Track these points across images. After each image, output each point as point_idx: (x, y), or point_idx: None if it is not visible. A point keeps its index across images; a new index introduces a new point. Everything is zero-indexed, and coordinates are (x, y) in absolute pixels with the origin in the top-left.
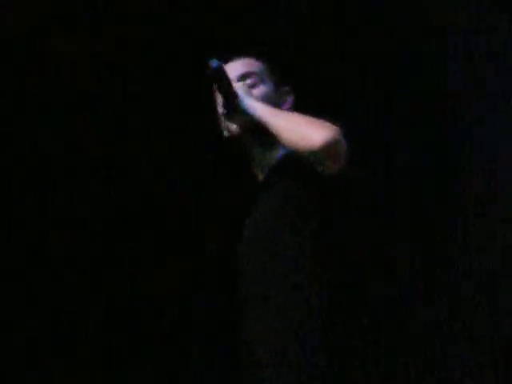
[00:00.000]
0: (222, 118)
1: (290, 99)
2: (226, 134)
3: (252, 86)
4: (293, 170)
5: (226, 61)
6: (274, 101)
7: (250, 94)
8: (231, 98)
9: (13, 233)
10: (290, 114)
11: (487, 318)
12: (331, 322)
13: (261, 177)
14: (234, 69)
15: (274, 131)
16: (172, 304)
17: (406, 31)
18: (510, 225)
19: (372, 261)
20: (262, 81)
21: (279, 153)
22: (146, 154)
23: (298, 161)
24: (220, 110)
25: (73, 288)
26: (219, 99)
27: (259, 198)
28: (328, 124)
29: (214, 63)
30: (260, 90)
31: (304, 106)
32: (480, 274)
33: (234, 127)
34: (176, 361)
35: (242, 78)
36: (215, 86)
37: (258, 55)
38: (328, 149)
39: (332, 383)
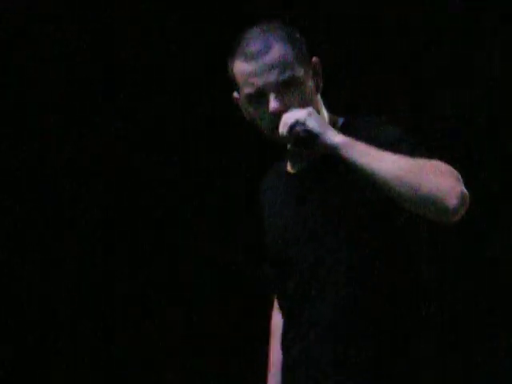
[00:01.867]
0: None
1: (321, 75)
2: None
3: (286, 94)
4: None
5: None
6: (313, 96)
7: (326, 126)
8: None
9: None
10: (396, 156)
11: None
12: None
13: (293, 167)
14: (262, 74)
15: (379, 180)
16: None
17: None
18: None
19: None
20: (300, 79)
21: None
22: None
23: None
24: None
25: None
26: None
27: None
28: (451, 172)
29: None
30: (298, 96)
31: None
32: None
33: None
34: None
35: (275, 87)
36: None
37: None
38: (459, 213)
39: None
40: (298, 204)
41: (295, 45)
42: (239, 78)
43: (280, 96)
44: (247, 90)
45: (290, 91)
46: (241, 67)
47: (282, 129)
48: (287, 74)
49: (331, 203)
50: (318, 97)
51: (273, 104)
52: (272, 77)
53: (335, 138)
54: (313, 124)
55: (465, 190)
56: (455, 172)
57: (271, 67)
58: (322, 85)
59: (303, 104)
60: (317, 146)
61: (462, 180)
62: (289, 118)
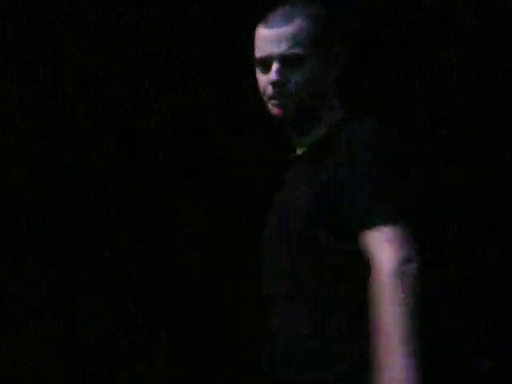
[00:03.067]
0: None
1: (339, 65)
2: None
3: (290, 70)
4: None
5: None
6: (317, 80)
7: None
8: None
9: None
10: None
11: None
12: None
13: (298, 151)
14: (272, 42)
15: None
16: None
17: None
18: None
19: None
20: (308, 59)
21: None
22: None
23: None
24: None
25: None
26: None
27: (293, 173)
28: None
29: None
30: (301, 74)
31: None
32: None
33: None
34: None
35: (280, 59)
36: None
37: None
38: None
39: None
40: (279, 193)
41: (318, 26)
42: (255, 42)
43: (283, 69)
44: (257, 54)
45: (294, 67)
46: (259, 31)
47: None
48: (295, 50)
49: (290, 197)
50: (331, 86)
51: (273, 75)
52: (280, 48)
53: None
54: None
55: (403, 257)
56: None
57: (283, 38)
58: (335, 74)
59: (302, 84)
60: None
61: (407, 239)
62: None
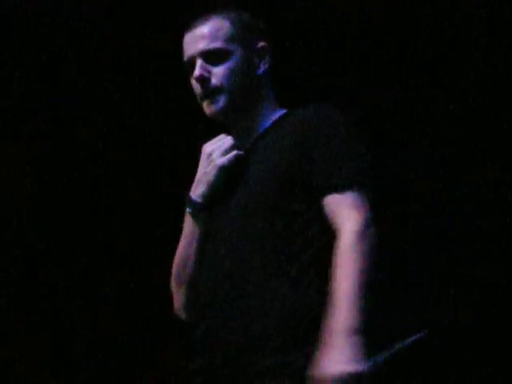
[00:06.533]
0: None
1: (266, 58)
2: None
3: (214, 65)
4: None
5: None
6: (243, 73)
7: None
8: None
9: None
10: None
11: None
12: None
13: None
14: (194, 42)
15: None
16: None
17: None
18: None
19: None
20: (230, 52)
21: (265, 118)
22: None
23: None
24: None
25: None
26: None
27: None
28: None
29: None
30: (225, 67)
31: None
32: None
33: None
34: None
35: (203, 56)
36: None
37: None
38: (369, 224)
39: None
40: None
41: (237, 24)
42: (183, 49)
43: (205, 64)
44: (184, 59)
45: (216, 62)
46: (183, 38)
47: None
48: (216, 44)
49: (246, 180)
50: (262, 79)
51: (196, 70)
52: (200, 45)
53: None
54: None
55: (363, 222)
56: (362, 217)
57: (202, 37)
58: (264, 68)
59: (227, 77)
60: None
61: (365, 204)
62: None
